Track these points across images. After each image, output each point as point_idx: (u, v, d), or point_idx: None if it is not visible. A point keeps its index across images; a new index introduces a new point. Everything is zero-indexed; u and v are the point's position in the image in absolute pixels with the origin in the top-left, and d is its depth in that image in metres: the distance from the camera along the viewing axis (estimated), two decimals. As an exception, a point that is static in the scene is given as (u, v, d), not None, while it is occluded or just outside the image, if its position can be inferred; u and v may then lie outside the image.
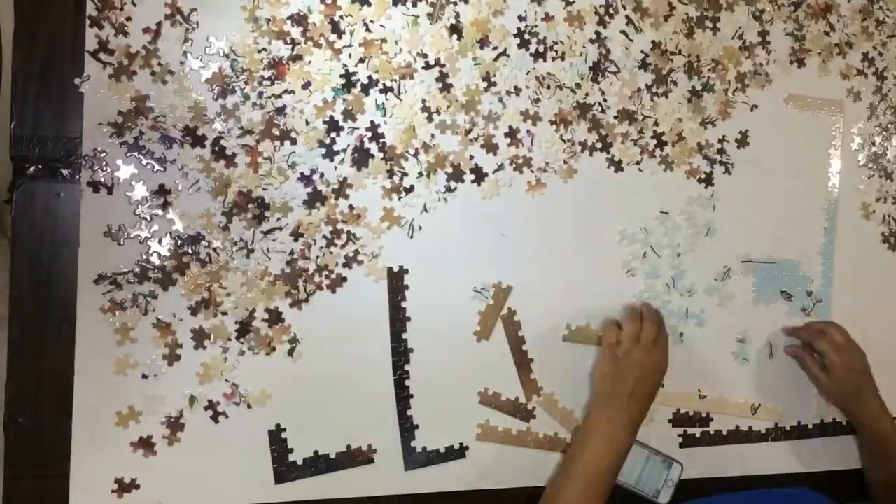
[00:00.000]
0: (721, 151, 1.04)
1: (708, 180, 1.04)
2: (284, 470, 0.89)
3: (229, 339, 0.87)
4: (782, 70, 1.07)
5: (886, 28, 1.13)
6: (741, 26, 1.05)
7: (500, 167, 0.95)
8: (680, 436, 1.03)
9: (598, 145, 0.99)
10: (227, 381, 0.87)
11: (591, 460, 0.90)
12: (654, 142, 1.01)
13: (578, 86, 0.98)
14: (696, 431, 1.04)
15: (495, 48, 0.95)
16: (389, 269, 0.92)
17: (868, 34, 1.11)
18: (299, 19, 0.88)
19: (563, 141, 0.97)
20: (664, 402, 1.02)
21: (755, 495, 1.02)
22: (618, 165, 1.00)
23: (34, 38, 0.82)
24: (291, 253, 0.89)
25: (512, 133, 0.95)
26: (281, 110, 0.88)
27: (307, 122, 0.89)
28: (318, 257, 0.89)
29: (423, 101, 0.92)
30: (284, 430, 0.89)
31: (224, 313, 0.87)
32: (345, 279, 0.90)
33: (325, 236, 0.89)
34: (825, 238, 1.10)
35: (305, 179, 0.89)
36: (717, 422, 1.05)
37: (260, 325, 0.88)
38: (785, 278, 1.08)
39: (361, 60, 0.90)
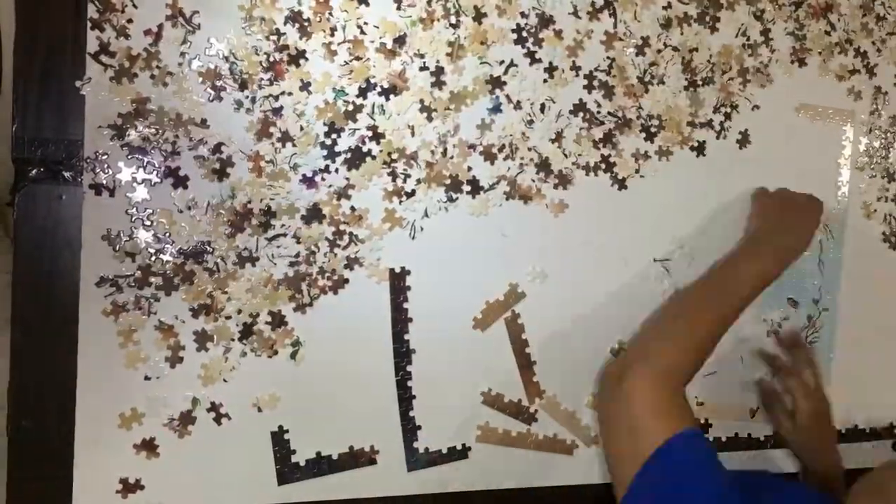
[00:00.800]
0: (710, 122, 1.04)
1: (701, 149, 1.03)
2: (287, 471, 0.89)
3: (232, 340, 0.87)
4: (783, 70, 1.07)
5: (887, 25, 1.12)
6: (743, 23, 1.05)
7: (492, 187, 0.95)
8: None
9: (602, 166, 0.99)
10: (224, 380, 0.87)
11: (740, 271, 0.92)
12: (644, 135, 1.01)
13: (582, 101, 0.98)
14: None
15: (502, 62, 0.95)
16: (391, 271, 0.92)
17: (868, 31, 1.11)
18: (294, 17, 0.88)
19: (565, 156, 0.97)
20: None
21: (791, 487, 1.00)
22: (621, 183, 1.00)
23: (35, 40, 0.82)
24: (297, 255, 0.89)
25: (510, 147, 0.96)
26: (278, 111, 0.88)
27: (307, 124, 0.88)
28: (322, 263, 0.89)
29: (422, 100, 0.92)
30: (287, 431, 0.89)
31: (228, 317, 0.87)
32: (346, 280, 0.90)
33: (327, 238, 0.89)
34: (832, 244, 1.10)
35: (308, 181, 0.89)
36: (716, 429, 1.05)
37: (263, 328, 0.88)
38: (792, 285, 1.08)
39: (358, 59, 0.90)
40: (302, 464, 0.89)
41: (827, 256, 1.09)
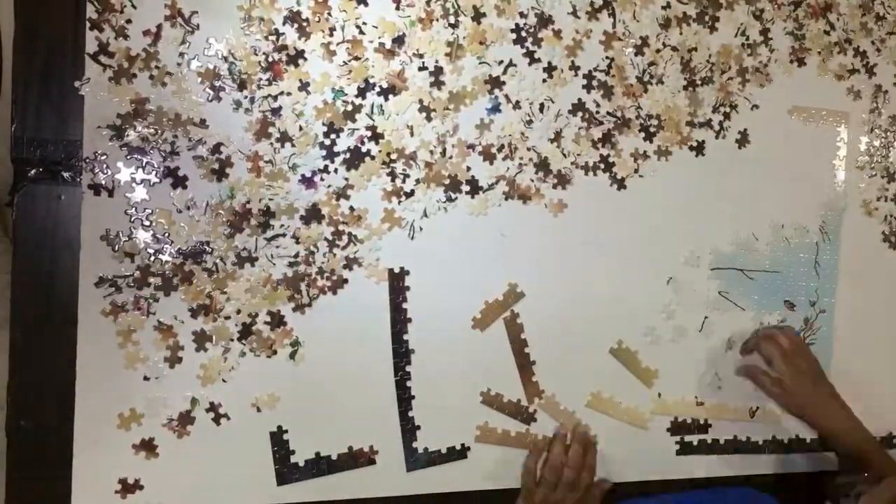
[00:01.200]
0: (709, 122, 1.04)
1: (700, 149, 1.03)
2: (286, 471, 0.89)
3: (231, 340, 0.87)
4: (783, 70, 1.07)
5: (886, 24, 1.12)
6: (742, 23, 1.05)
7: (491, 187, 0.95)
8: (677, 443, 1.03)
9: (601, 166, 0.99)
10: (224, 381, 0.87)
11: None
12: (643, 135, 1.00)
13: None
14: (694, 439, 1.04)
15: (501, 62, 0.95)
16: (390, 271, 0.92)
17: (867, 30, 1.11)
18: (293, 17, 0.88)
19: (564, 155, 0.97)
20: (662, 412, 1.02)
21: (697, 495, 1.01)
22: (620, 183, 1.00)
23: (34, 40, 0.82)
24: (296, 255, 0.89)
25: (509, 147, 0.95)
26: (277, 111, 0.88)
27: (306, 124, 0.88)
28: (321, 263, 0.89)
29: (420, 100, 0.92)
30: (286, 431, 0.89)
31: (227, 318, 0.87)
32: (346, 280, 0.90)
33: (326, 238, 0.89)
34: (828, 245, 1.10)
35: (307, 181, 0.89)
36: (715, 430, 1.04)
37: (262, 328, 0.88)
38: (789, 287, 1.08)
39: (356, 59, 0.90)
40: (301, 464, 0.89)
41: (823, 258, 1.09)
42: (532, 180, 0.96)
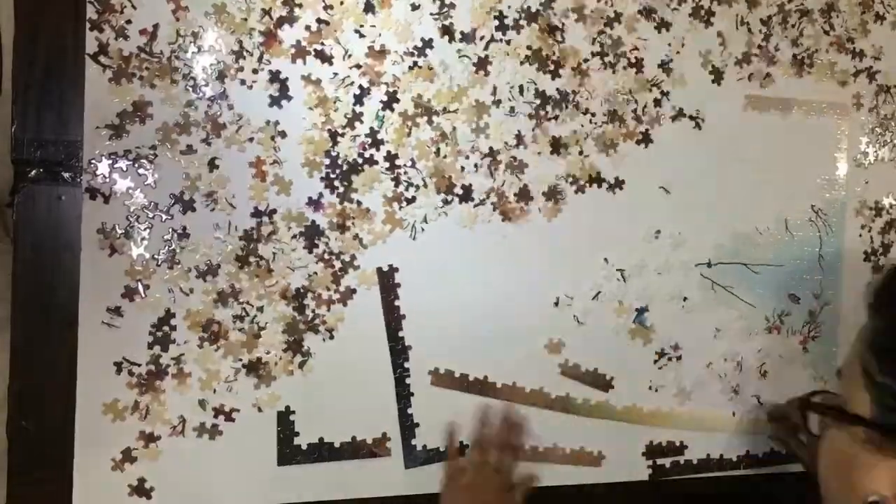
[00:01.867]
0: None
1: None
2: (289, 453, 0.89)
3: (238, 360, 0.88)
4: (783, 71, 1.07)
5: (887, 23, 1.12)
6: (741, 17, 1.05)
7: (482, 202, 0.95)
8: (649, 466, 1.02)
9: (601, 166, 0.99)
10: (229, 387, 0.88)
11: None
12: (639, 138, 1.01)
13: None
14: (667, 462, 1.02)
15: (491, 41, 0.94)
16: (379, 270, 0.92)
17: (866, 30, 1.11)
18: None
19: (563, 158, 0.98)
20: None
21: None
22: (620, 185, 1.00)
23: (35, 41, 0.82)
24: (306, 265, 0.89)
25: (493, 154, 0.95)
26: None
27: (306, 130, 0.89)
28: (332, 269, 0.90)
29: (417, 102, 0.92)
30: (294, 412, 0.89)
31: (241, 330, 0.87)
32: (354, 291, 0.91)
33: (328, 245, 0.90)
34: (831, 238, 1.10)
35: (314, 203, 0.89)
36: (691, 450, 1.03)
37: (273, 359, 0.89)
38: (793, 280, 1.07)
39: (358, 67, 0.90)
40: (304, 447, 0.90)
41: (827, 251, 1.09)
42: (531, 182, 0.96)
